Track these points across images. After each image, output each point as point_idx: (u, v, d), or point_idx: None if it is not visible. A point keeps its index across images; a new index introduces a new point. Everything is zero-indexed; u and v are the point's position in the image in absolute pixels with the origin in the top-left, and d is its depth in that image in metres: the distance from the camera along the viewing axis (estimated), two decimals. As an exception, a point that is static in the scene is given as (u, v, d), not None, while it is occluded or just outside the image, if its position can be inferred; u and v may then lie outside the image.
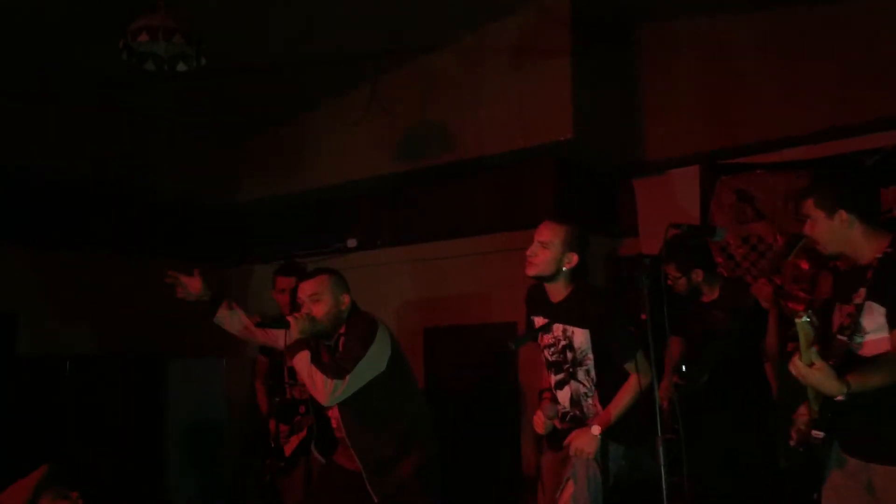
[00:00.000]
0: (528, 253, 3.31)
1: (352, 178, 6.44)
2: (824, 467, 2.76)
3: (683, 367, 3.93)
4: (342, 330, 3.45)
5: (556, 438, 3.41)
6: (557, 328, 3.33)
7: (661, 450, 2.72)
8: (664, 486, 2.72)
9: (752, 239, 5.47)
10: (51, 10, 4.74)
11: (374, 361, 3.35)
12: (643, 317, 2.96)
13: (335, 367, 3.28)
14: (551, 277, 3.31)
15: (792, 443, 2.80)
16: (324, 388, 3.23)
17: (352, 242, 6.75)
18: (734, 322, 3.71)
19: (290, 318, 3.34)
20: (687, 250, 3.82)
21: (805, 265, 5.23)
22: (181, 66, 4.06)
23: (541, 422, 3.39)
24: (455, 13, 5.53)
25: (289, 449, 4.47)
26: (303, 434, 4.44)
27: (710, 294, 3.93)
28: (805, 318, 2.29)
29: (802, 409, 2.82)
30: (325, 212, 6.98)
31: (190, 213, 7.13)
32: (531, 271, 3.30)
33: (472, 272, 6.05)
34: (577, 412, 3.32)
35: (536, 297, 3.48)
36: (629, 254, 5.92)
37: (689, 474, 3.71)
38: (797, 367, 2.41)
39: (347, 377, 3.25)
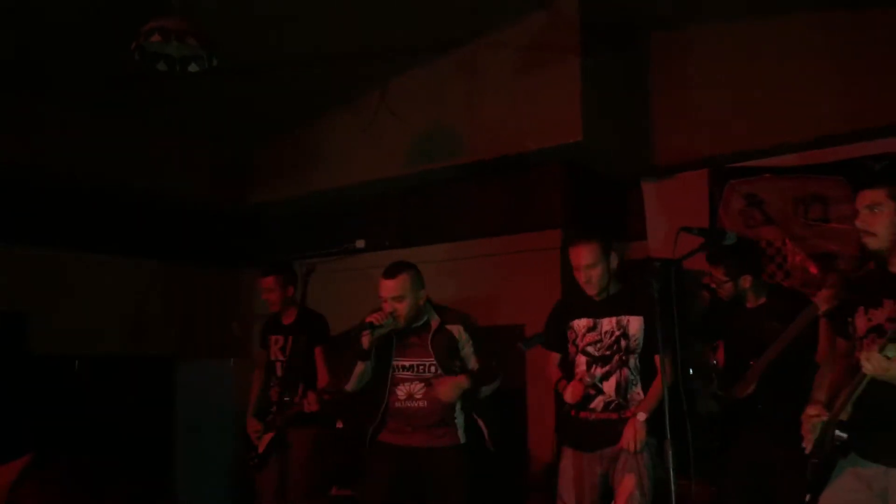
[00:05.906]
0: (583, 279, 3.46)
1: (361, 181, 6.46)
2: (830, 473, 2.70)
3: (715, 378, 3.84)
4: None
5: (583, 438, 3.47)
6: (609, 322, 3.47)
7: (670, 453, 2.72)
8: (673, 490, 2.72)
9: (760, 243, 5.47)
10: (66, 15, 4.77)
11: None
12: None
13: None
14: (606, 285, 3.49)
15: (807, 448, 2.74)
16: None
17: (360, 243, 6.78)
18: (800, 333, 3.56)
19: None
20: (737, 254, 3.70)
21: (814, 269, 5.23)
22: (193, 67, 4.07)
23: (580, 389, 3.44)
24: (465, 17, 5.54)
25: (262, 446, 4.52)
26: (273, 434, 4.49)
27: (755, 300, 3.79)
28: None
29: (811, 410, 2.77)
30: (336, 214, 7.01)
31: (201, 215, 7.16)
32: (594, 290, 3.46)
33: (480, 274, 6.06)
34: (621, 400, 3.45)
35: (572, 303, 3.60)
36: (638, 257, 5.91)
37: (721, 483, 3.71)
38: (877, 360, 2.44)
39: None
